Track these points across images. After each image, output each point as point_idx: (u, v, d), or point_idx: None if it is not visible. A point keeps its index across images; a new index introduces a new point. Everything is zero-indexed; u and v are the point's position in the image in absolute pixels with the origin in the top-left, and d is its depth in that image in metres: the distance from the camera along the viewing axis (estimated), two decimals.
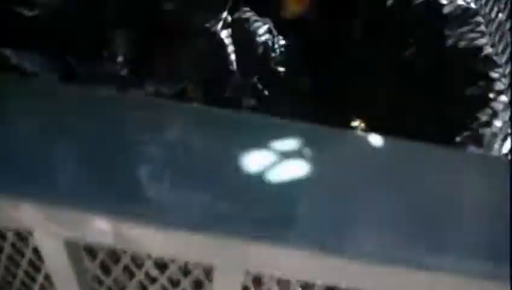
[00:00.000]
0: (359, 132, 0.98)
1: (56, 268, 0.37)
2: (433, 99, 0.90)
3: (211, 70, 1.07)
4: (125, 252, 0.47)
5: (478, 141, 0.80)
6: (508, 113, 0.81)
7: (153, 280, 0.52)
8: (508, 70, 0.87)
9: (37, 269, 0.54)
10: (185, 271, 0.50)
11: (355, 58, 1.05)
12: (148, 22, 1.06)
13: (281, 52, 1.08)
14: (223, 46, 1.06)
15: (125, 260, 0.48)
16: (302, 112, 1.11)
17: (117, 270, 0.49)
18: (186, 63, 1.05)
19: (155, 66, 1.05)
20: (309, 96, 1.11)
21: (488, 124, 0.81)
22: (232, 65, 1.06)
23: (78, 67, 0.97)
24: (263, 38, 1.07)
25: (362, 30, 1.07)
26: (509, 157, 0.80)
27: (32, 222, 0.30)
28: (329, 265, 0.30)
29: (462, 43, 0.89)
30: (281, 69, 1.08)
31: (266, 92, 1.08)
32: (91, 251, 0.45)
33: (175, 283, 0.51)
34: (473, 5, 0.93)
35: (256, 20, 1.08)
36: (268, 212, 0.30)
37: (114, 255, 0.48)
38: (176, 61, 1.05)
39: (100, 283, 0.52)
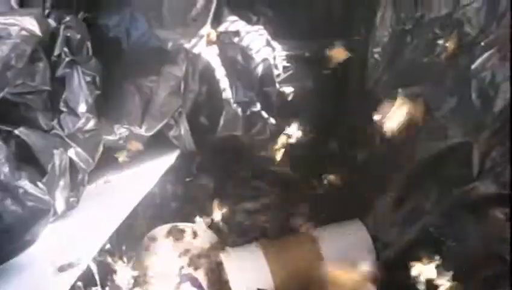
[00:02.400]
0: None
1: None
2: None
3: (196, 103, 0.83)
4: None
5: None
6: None
7: None
8: None
9: None
10: None
11: None
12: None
13: (285, 68, 0.84)
14: (210, 69, 0.81)
15: None
16: None
17: None
18: (165, 97, 0.80)
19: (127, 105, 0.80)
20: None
21: None
22: (225, 92, 0.82)
23: None
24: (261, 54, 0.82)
25: None
26: None
27: None
28: None
29: None
30: (288, 89, 0.84)
31: (273, 121, 0.84)
32: None
33: None
34: None
35: (248, 32, 0.83)
36: None
37: None
38: (151, 97, 0.80)
39: None
